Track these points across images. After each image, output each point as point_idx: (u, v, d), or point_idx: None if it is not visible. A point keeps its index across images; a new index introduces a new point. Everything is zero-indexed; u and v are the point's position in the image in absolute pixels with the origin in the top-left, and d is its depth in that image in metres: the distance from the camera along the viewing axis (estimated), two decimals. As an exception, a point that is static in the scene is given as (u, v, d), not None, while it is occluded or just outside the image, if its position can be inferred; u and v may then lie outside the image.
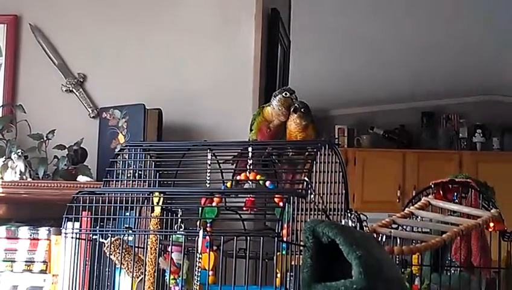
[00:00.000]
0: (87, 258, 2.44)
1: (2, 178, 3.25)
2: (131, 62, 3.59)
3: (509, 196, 6.22)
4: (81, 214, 2.35)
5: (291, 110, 2.80)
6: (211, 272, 2.20)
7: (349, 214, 2.33)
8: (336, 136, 8.84)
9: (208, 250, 2.19)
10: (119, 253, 2.31)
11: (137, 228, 2.38)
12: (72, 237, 2.37)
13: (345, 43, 6.86)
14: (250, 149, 2.41)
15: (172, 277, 2.27)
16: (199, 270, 2.19)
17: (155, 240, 2.31)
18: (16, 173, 3.25)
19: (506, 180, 7.30)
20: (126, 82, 3.58)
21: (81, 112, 3.56)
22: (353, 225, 2.31)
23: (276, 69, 3.81)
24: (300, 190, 2.21)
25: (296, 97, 2.85)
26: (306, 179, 2.23)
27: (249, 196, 2.33)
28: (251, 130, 2.93)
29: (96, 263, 2.40)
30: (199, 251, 2.18)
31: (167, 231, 2.31)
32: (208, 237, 2.18)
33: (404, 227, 2.67)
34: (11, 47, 3.62)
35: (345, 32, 6.59)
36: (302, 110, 2.80)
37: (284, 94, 2.83)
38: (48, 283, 3.12)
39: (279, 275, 2.13)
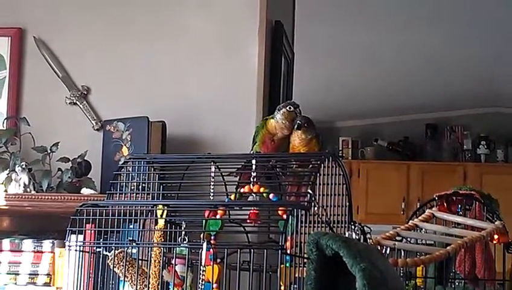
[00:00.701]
0: (91, 271, 2.43)
1: (6, 191, 3.25)
2: (135, 75, 3.60)
3: (514, 207, 6.22)
4: (85, 227, 2.35)
5: (295, 127, 2.81)
6: (214, 285, 2.20)
7: (353, 227, 2.32)
8: (340, 148, 8.85)
9: (211, 263, 2.18)
10: (122, 266, 2.31)
11: (141, 241, 2.38)
12: (76, 250, 2.37)
13: (349, 55, 6.87)
14: (254, 162, 2.41)
15: (176, 289, 2.27)
16: (203, 283, 2.18)
17: (159, 253, 2.31)
18: (19, 185, 3.25)
19: (511, 192, 7.29)
20: (130, 95, 3.58)
21: (85, 124, 3.56)
22: (357, 237, 2.31)
23: (280, 81, 3.81)
24: (303, 203, 2.21)
25: (300, 111, 2.85)
26: (310, 191, 2.22)
27: (252, 208, 2.33)
28: (254, 142, 2.92)
29: (100, 276, 2.39)
30: (203, 264, 2.17)
31: (171, 244, 2.31)
32: (211, 250, 2.18)
33: (408, 239, 2.67)
34: (15, 60, 3.63)
35: (349, 44, 6.60)
36: (305, 125, 2.80)
37: (288, 108, 2.83)
38: (51, 295, 3.13)
39: (282, 287, 2.13)
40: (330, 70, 7.25)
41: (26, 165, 3.28)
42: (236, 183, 2.48)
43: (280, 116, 2.83)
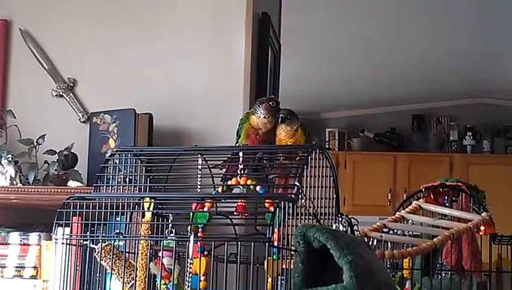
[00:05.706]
0: (78, 264, 2.43)
1: (-8, 183, 3.24)
2: (121, 67, 3.59)
3: (500, 198, 6.27)
4: (72, 220, 2.34)
5: (279, 121, 2.81)
6: (202, 277, 2.20)
7: (340, 219, 2.33)
8: (327, 140, 8.85)
9: (199, 255, 2.18)
10: (109, 258, 2.30)
11: (128, 233, 2.38)
12: (63, 243, 2.36)
13: (336, 46, 6.87)
14: (240, 154, 2.41)
15: (163, 282, 2.27)
16: (190, 275, 2.18)
17: (146, 245, 2.31)
18: (6, 178, 3.25)
19: (497, 182, 7.34)
20: (116, 87, 3.58)
21: (72, 116, 3.55)
22: (344, 229, 2.31)
23: (267, 73, 3.81)
24: (291, 195, 2.20)
25: (280, 107, 2.87)
26: (297, 183, 2.22)
27: (240, 200, 2.33)
28: (238, 135, 2.92)
29: (86, 269, 2.39)
30: (190, 256, 2.17)
31: (158, 236, 2.31)
32: (199, 242, 2.17)
33: (395, 231, 2.67)
34: (0, 52, 3.61)
35: (336, 35, 6.60)
36: (288, 117, 2.81)
37: (271, 103, 2.84)
38: (38, 288, 3.12)
39: (269, 279, 2.13)
40: (317, 62, 7.25)
41: (12, 158, 3.27)
42: (223, 175, 2.48)
43: (262, 110, 2.84)
